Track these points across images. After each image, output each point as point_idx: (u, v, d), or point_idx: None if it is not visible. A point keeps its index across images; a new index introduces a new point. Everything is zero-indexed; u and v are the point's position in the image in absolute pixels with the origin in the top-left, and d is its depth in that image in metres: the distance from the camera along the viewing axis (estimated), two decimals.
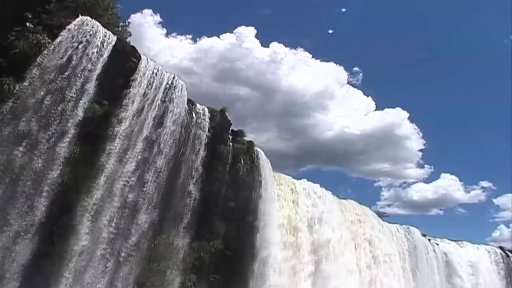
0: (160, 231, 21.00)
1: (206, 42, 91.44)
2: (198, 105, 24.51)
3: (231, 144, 26.05)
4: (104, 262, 18.64)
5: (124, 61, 21.32)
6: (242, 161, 26.28)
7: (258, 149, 27.46)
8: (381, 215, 43.40)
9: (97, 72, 19.80)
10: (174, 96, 22.25)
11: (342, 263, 29.76)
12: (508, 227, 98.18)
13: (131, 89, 20.97)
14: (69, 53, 19.45)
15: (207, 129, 24.17)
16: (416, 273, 40.83)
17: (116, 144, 19.83)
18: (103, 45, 20.45)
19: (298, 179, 31.51)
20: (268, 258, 25.17)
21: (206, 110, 24.65)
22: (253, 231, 25.31)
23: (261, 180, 26.61)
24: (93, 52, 20.00)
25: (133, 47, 22.25)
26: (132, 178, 19.89)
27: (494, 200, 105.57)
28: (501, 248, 60.57)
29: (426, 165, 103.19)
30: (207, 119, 24.43)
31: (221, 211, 24.52)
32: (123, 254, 19.19)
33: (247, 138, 27.42)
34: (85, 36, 20.03)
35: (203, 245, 23.22)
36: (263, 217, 25.86)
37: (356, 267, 32.35)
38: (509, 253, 59.51)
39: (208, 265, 23.25)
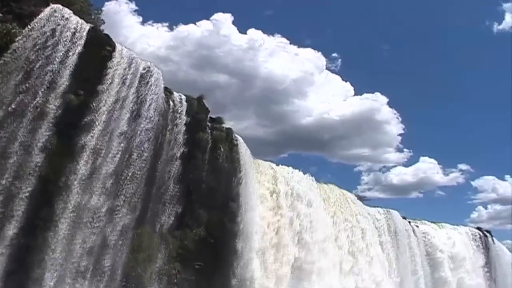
0: (143, 221, 21.15)
1: (182, 29, 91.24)
2: (175, 93, 24.63)
3: (210, 131, 26.23)
4: (87, 254, 18.80)
5: (98, 50, 21.26)
6: (221, 148, 26.49)
7: (237, 136, 27.76)
8: (361, 199, 44.20)
9: (71, 62, 19.77)
10: (150, 84, 22.33)
11: (324, 243, 30.32)
12: (486, 208, 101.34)
13: (106, 78, 20.97)
14: (40, 42, 19.34)
15: (185, 117, 24.30)
16: (397, 255, 41.83)
17: (93, 134, 19.87)
18: (75, 34, 20.37)
19: (278, 165, 31.91)
20: (251, 244, 25.49)
21: (184, 98, 24.80)
22: (235, 218, 25.62)
23: (241, 166, 26.88)
24: (66, 41, 19.92)
25: (107, 35, 22.21)
26: (111, 168, 20.00)
27: (472, 183, 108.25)
28: (479, 229, 62.40)
29: (405, 149, 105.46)
30: (185, 107, 24.55)
31: (203, 199, 24.77)
32: (105, 246, 19.36)
33: (226, 125, 27.64)
34: (57, 25, 19.92)
35: (186, 233, 23.54)
36: (244, 203, 26.15)
37: (338, 251, 33.10)
38: (487, 234, 61.34)
39: (192, 253, 23.55)
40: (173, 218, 22.55)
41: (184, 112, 24.42)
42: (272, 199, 28.82)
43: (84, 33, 20.58)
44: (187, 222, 23.71)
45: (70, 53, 19.91)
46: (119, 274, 19.40)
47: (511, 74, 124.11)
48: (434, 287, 47.61)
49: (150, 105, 22.08)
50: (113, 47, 21.84)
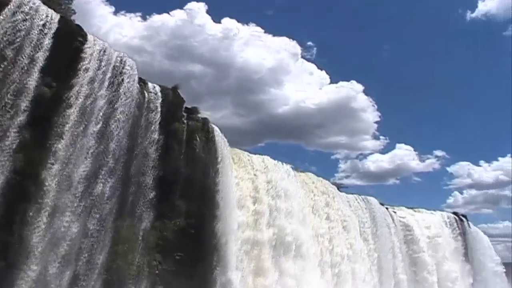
0: (121, 213, 21.16)
1: (156, 19, 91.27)
2: (150, 84, 24.62)
3: (185, 121, 26.32)
4: (67, 248, 18.79)
5: (70, 40, 21.18)
6: (198, 139, 26.62)
7: (213, 125, 27.89)
8: (339, 186, 44.78)
9: (42, 53, 19.60)
10: (124, 75, 22.34)
11: (302, 232, 30.73)
12: (461, 193, 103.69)
13: (79, 69, 20.90)
14: (9, 34, 19.04)
15: (160, 108, 24.30)
16: (376, 241, 42.59)
17: (68, 127, 19.81)
18: (46, 25, 20.17)
19: (255, 154, 32.14)
20: (231, 233, 25.72)
21: (158, 88, 24.80)
22: (213, 207, 25.80)
23: (218, 156, 27.05)
24: (36, 33, 19.72)
25: (78, 26, 22.06)
26: (87, 161, 19.97)
27: (448, 169, 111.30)
28: (455, 213, 63.97)
29: (381, 137, 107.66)
30: (160, 98, 24.56)
31: (181, 189, 24.90)
32: (85, 238, 19.37)
33: (201, 115, 27.76)
34: (26, 16, 19.68)
35: (166, 224, 23.67)
36: (222, 192, 26.34)
37: (317, 238, 33.61)
38: (463, 218, 62.84)
39: (172, 243, 23.70)
40: (151, 210, 22.54)
41: (159, 103, 24.42)
42: (250, 188, 29.03)
43: (55, 24, 20.39)
44: (166, 213, 23.80)
45: (41, 45, 19.68)
46: (100, 266, 19.40)
47: (485, 61, 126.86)
48: (413, 271, 48.64)
49: (124, 96, 22.03)
50: (85, 38, 21.76)
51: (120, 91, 21.90)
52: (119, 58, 22.51)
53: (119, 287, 19.70)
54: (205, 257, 24.74)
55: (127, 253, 20.72)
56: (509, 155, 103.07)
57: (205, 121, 27.67)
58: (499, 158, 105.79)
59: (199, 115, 27.56)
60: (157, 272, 22.27)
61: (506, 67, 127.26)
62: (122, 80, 22.20)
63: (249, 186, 29.13)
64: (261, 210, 28.47)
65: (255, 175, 29.91)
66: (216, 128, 27.88)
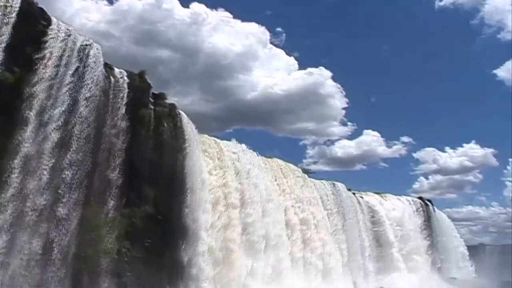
0: (89, 201, 21.07)
1: (123, 3, 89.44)
2: (116, 69, 24.45)
3: (152, 107, 26.27)
4: (33, 237, 18.68)
5: (33, 24, 20.84)
6: (165, 124, 26.65)
7: (180, 111, 27.94)
8: (307, 172, 45.43)
9: (4, 38, 19.18)
10: (89, 60, 22.09)
11: (271, 217, 31.18)
12: (427, 178, 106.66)
13: (43, 54, 20.61)
14: None
15: (126, 93, 24.15)
16: (343, 226, 43.58)
17: (32, 113, 19.58)
18: (7, 8, 19.79)
19: (223, 140, 32.35)
20: (199, 219, 25.95)
21: (125, 73, 24.63)
22: (181, 194, 25.97)
23: (186, 142, 27.16)
24: None
25: (41, 9, 21.67)
26: (53, 148, 19.80)
27: (414, 154, 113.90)
28: (420, 198, 66.09)
29: (349, 123, 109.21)
30: (126, 83, 24.41)
31: (148, 176, 24.92)
32: (51, 228, 19.25)
33: (169, 101, 27.75)
34: None
35: (134, 211, 23.71)
36: (190, 178, 26.52)
37: (285, 219, 34.22)
38: (428, 203, 64.81)
39: (141, 230, 23.79)
40: (119, 197, 22.54)
41: (125, 89, 24.25)
42: (218, 174, 29.28)
43: (17, 7, 19.95)
44: (134, 200, 23.83)
45: (2, 28, 19.27)
46: (68, 255, 19.36)
47: (452, 49, 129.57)
48: (379, 254, 50.16)
49: (89, 81, 21.81)
50: (49, 21, 21.45)
51: (86, 76, 21.62)
52: (84, 43, 22.20)
53: (89, 275, 19.69)
54: (174, 244, 24.92)
55: (96, 241, 20.70)
56: (474, 141, 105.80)
57: (172, 107, 27.66)
58: (464, 145, 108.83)
59: (166, 101, 27.55)
60: (126, 259, 22.32)
61: (473, 55, 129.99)
62: (88, 65, 21.94)
63: (217, 172, 29.35)
64: (230, 195, 28.74)
65: (222, 161, 30.13)
66: (183, 114, 27.95)
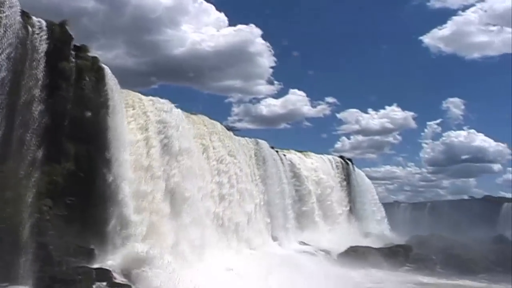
0: (7, 158, 20.68)
1: None
2: (34, 18, 23.54)
3: (73, 60, 25.69)
4: None
5: None
6: (87, 79, 26.26)
7: (103, 65, 27.47)
8: (231, 129, 46.40)
9: None
10: (4, 7, 21.26)
11: (193, 172, 31.86)
12: (348, 138, 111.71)
13: None
14: None
15: (46, 45, 23.45)
16: (265, 182, 45.22)
17: None
18: None
19: (147, 96, 32.31)
20: (122, 176, 26.18)
21: (44, 23, 23.77)
22: (103, 150, 25.94)
23: (108, 97, 26.86)
24: None
25: None
26: None
27: (338, 115, 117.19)
28: (341, 157, 69.31)
29: (276, 82, 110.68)
30: (45, 34, 23.70)
31: (69, 132, 24.64)
32: None
33: (91, 54, 27.22)
34: None
35: (55, 168, 23.49)
36: (113, 134, 26.44)
37: (208, 175, 35.09)
38: (348, 162, 68.24)
39: (62, 188, 23.71)
40: (39, 153, 22.13)
41: (44, 40, 23.50)
42: (141, 130, 29.31)
43: None
44: (55, 156, 23.53)
45: None
46: None
47: (382, 12, 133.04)
48: (299, 210, 52.77)
49: (4, 31, 21.07)
50: None
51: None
52: None
53: (9, 235, 19.54)
54: (97, 201, 25.06)
55: (16, 200, 20.44)
56: (395, 104, 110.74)
57: (95, 60, 27.19)
58: (386, 107, 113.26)
59: (89, 54, 27.02)
60: (48, 218, 22.21)
61: (402, 20, 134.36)
62: (2, 12, 21.14)
63: (141, 128, 29.36)
64: (153, 152, 28.99)
65: (147, 116, 30.12)
66: (107, 68, 27.52)
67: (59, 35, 24.75)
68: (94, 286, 22.23)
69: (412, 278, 39.58)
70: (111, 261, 24.52)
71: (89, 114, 25.98)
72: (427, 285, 37.19)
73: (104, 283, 22.85)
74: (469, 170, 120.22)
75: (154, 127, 30.03)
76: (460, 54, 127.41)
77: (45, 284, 20.20)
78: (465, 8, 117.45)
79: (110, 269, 23.77)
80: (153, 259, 24.58)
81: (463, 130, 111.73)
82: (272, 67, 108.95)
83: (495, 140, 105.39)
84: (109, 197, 25.47)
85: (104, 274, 23.22)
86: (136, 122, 29.34)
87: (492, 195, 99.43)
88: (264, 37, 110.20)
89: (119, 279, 23.57)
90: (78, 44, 26.39)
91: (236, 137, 44.12)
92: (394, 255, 45.41)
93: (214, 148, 37.47)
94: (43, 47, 23.40)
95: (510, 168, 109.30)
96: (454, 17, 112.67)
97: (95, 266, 23.57)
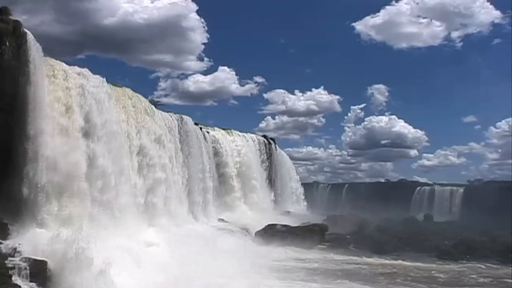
0: None
1: None
2: None
3: None
4: None
5: None
6: (7, 44, 25.60)
7: (26, 30, 26.74)
8: (155, 103, 46.49)
9: None
10: None
11: (115, 146, 32.08)
12: (274, 119, 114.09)
13: None
14: None
15: None
16: (187, 158, 45.94)
17: None
18: None
19: (73, 66, 31.82)
20: (41, 147, 25.78)
21: None
22: (23, 119, 25.59)
23: (30, 65, 26.22)
24: None
25: None
26: None
27: (265, 95, 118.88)
28: (264, 136, 71.28)
29: (206, 58, 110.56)
30: None
31: None
32: None
33: (13, 18, 26.48)
34: None
35: None
36: (33, 104, 25.99)
37: (129, 150, 35.31)
38: (271, 141, 70.29)
39: None
40: None
41: None
42: (63, 101, 28.89)
43: None
44: None
45: None
46: None
47: None
48: (220, 187, 54.10)
49: None
50: None
51: None
52: None
53: None
54: (14, 172, 24.82)
55: None
56: (322, 87, 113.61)
57: (17, 24, 26.45)
58: (313, 89, 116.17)
59: (10, 17, 26.32)
60: None
61: (335, 6, 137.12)
62: None
63: (63, 98, 28.91)
64: (75, 125, 28.76)
65: (68, 87, 29.68)
66: (29, 34, 26.79)
67: None
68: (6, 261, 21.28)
69: (326, 255, 41.65)
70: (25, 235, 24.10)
71: (8, 81, 25.40)
72: (338, 261, 39.26)
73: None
74: (387, 154, 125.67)
75: (76, 99, 29.57)
76: (389, 43, 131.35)
77: None
78: None
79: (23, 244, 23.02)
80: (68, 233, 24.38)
81: (385, 115, 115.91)
82: (204, 44, 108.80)
83: (414, 127, 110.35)
84: (26, 171, 25.21)
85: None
86: (59, 92, 28.81)
87: (406, 179, 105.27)
88: (199, 12, 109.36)
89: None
90: None
91: (160, 112, 44.18)
92: (311, 233, 47.23)
93: (136, 122, 37.63)
94: None
95: (425, 154, 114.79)
96: (387, 7, 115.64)
97: (8, 241, 23.17)
